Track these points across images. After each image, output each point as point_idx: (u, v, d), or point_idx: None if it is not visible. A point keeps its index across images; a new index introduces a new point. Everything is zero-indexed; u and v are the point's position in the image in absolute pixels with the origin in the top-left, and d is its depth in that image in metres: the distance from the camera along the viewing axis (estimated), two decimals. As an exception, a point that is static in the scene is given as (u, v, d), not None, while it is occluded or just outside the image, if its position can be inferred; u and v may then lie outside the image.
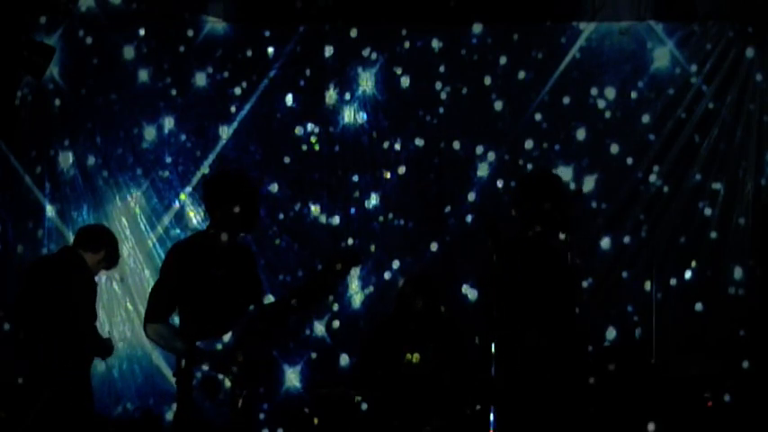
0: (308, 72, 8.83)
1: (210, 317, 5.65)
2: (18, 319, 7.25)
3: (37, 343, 6.98)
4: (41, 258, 7.96)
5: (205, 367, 5.64)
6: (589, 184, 8.60)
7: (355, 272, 8.65)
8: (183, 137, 8.85)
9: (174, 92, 8.83)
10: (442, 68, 8.74)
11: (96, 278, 7.37)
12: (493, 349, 5.63)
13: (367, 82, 8.81)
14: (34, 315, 7.01)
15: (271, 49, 8.85)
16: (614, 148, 8.62)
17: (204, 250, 5.77)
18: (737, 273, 8.42)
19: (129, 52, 8.76)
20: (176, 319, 5.83)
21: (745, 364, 8.07)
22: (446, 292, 7.74)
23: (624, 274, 8.53)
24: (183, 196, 8.80)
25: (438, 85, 8.73)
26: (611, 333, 8.42)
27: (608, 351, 8.11)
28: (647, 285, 8.08)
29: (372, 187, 8.79)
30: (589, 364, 7.76)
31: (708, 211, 8.52)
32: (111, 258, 7.32)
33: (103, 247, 7.24)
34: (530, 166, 8.61)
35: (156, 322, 5.73)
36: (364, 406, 6.84)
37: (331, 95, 8.83)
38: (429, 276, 7.39)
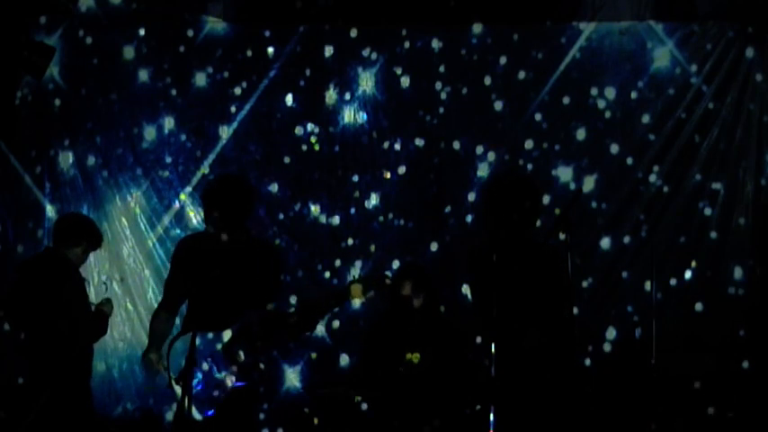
0: (308, 72, 8.83)
1: (207, 312, 5.71)
2: (12, 321, 7.27)
3: (35, 344, 6.97)
4: (26, 261, 7.78)
5: (205, 366, 5.66)
6: (589, 184, 8.60)
7: (355, 271, 8.66)
8: (183, 137, 8.85)
9: (174, 92, 8.83)
10: (442, 68, 8.74)
11: (95, 275, 7.35)
12: (493, 349, 5.64)
13: (367, 82, 8.81)
14: (27, 318, 7.01)
15: (271, 49, 8.85)
16: (614, 148, 8.62)
17: (204, 248, 5.83)
18: (737, 273, 8.41)
19: (129, 52, 8.75)
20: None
21: (745, 364, 8.08)
22: (446, 292, 7.74)
23: (624, 274, 8.52)
24: (183, 196, 8.80)
25: (438, 85, 8.73)
26: (611, 333, 8.41)
27: (609, 358, 8.14)
28: (647, 285, 8.08)
29: (372, 187, 8.79)
30: (588, 365, 7.78)
31: (708, 211, 8.52)
32: (94, 243, 7.27)
33: (83, 238, 7.20)
34: (530, 167, 8.61)
35: (165, 311, 6.07)
36: (364, 406, 6.83)
37: (331, 95, 8.83)
38: (422, 267, 7.38)
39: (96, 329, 7.16)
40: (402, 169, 8.77)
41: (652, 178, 8.58)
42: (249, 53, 8.84)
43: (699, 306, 8.35)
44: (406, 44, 8.75)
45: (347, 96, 8.82)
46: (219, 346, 5.75)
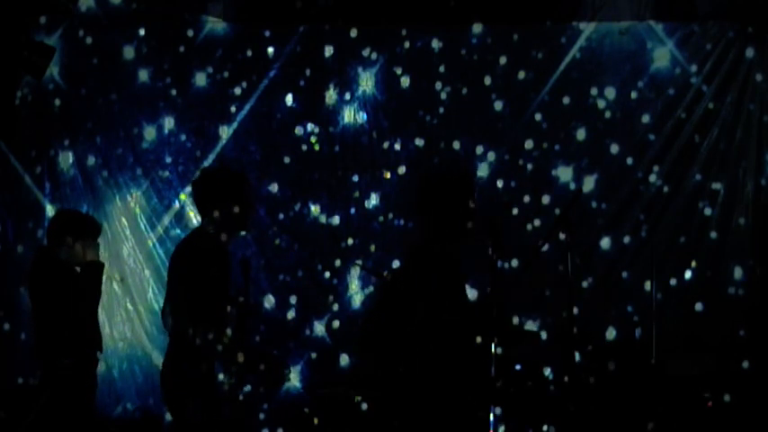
0: (308, 72, 8.83)
1: (206, 311, 5.69)
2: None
3: (38, 343, 6.97)
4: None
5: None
6: (589, 184, 8.60)
7: (355, 271, 8.66)
8: (183, 137, 8.85)
9: (174, 92, 8.83)
10: (442, 68, 8.74)
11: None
12: (493, 349, 5.63)
13: (367, 82, 8.81)
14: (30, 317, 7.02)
15: (271, 49, 8.85)
16: (614, 148, 8.63)
17: (203, 249, 5.80)
18: (737, 273, 8.42)
19: (129, 52, 8.74)
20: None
21: (745, 364, 8.08)
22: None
23: (624, 274, 8.53)
24: (182, 196, 8.79)
25: (438, 85, 8.73)
26: (611, 333, 8.42)
27: (608, 349, 8.11)
28: (647, 285, 8.07)
29: (372, 187, 8.79)
30: (587, 366, 7.77)
31: (708, 211, 8.53)
32: (79, 232, 7.01)
33: (65, 232, 6.87)
34: (530, 167, 8.62)
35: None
36: (364, 406, 6.83)
37: (331, 95, 8.83)
38: None
39: (88, 285, 6.99)
40: (402, 169, 8.77)
41: (652, 178, 8.59)
42: (249, 53, 8.83)
43: (699, 306, 8.36)
44: (406, 44, 8.75)
45: (347, 96, 8.82)
46: (220, 348, 5.75)
